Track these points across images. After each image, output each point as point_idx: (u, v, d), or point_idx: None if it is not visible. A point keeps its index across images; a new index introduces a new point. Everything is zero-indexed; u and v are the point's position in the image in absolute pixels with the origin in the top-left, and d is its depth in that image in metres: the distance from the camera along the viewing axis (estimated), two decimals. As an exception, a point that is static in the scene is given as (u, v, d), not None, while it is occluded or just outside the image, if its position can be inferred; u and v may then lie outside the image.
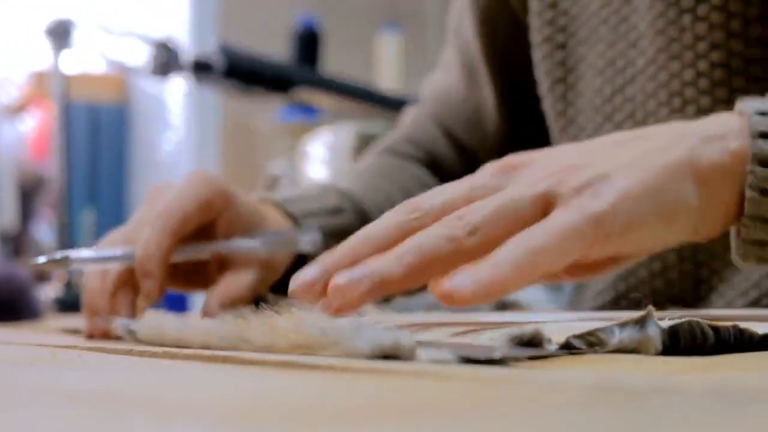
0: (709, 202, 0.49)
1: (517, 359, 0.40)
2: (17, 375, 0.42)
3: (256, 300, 0.76)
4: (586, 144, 0.53)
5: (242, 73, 1.60)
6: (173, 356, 0.47)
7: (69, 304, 1.34)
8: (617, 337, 0.43)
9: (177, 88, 2.74)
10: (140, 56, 1.52)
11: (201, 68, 1.55)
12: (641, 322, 0.43)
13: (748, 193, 0.49)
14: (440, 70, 0.93)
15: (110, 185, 2.88)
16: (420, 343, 0.41)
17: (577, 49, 0.76)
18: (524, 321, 0.47)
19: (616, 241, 0.47)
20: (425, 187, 0.87)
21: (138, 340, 0.55)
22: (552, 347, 0.42)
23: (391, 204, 0.81)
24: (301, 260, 0.72)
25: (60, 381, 0.39)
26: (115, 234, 0.67)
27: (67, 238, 1.47)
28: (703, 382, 0.34)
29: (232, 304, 0.64)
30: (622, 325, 0.43)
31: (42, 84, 2.48)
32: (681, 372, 0.37)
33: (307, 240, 0.70)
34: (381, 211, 0.78)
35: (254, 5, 2.88)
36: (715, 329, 0.43)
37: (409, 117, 0.94)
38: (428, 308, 0.80)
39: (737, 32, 0.67)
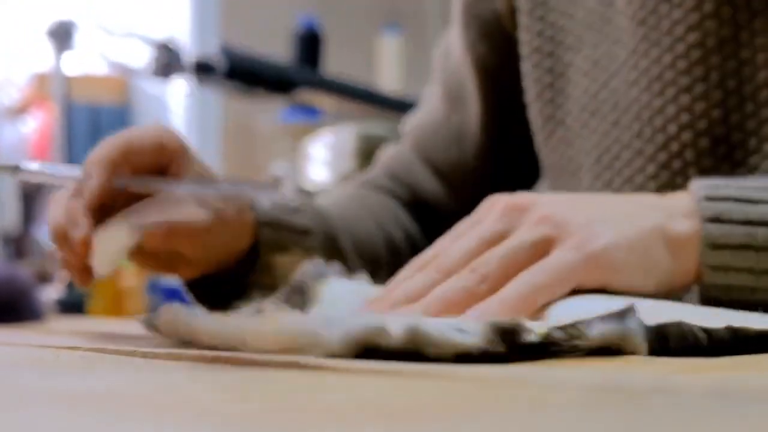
0: (677, 264, 0.58)
1: (494, 351, 0.41)
2: (19, 376, 0.42)
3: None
4: (577, 196, 0.65)
5: (243, 74, 1.60)
6: (176, 358, 0.47)
7: (71, 305, 1.34)
8: (598, 329, 0.44)
9: (178, 90, 2.74)
10: (141, 57, 1.52)
11: (202, 69, 1.55)
12: (622, 315, 0.45)
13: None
14: (422, 105, 0.95)
15: (112, 186, 2.87)
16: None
17: (565, 55, 0.79)
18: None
19: (606, 278, 0.55)
20: (403, 229, 0.89)
21: (158, 331, 0.56)
22: (532, 338, 0.43)
23: (368, 239, 0.83)
24: (254, 249, 0.73)
25: (62, 382, 0.39)
26: None
27: (69, 239, 1.47)
28: (704, 382, 0.35)
29: (174, 227, 0.66)
30: (604, 318, 0.44)
31: (43, 85, 2.48)
32: (682, 372, 0.37)
33: (267, 195, 0.69)
34: (354, 246, 0.80)
35: (255, 6, 2.88)
36: (708, 331, 0.44)
37: (388, 152, 0.95)
38: None
39: (710, 13, 0.71)
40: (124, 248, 0.68)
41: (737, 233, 0.58)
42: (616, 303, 0.47)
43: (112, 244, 0.66)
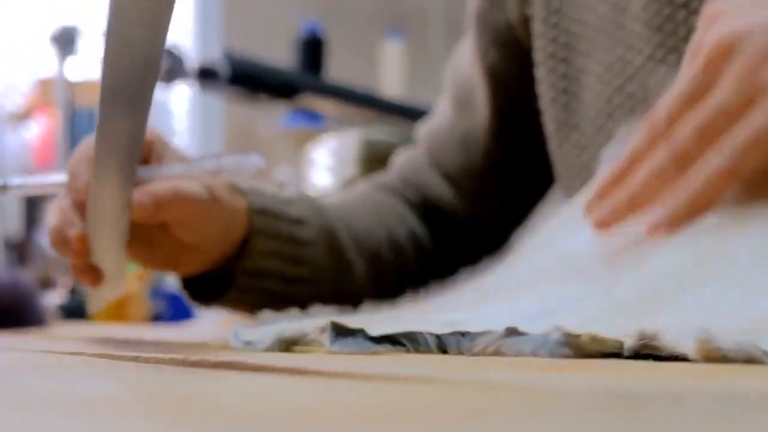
0: None
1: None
2: (22, 381, 0.42)
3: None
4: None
5: (246, 79, 1.60)
6: (180, 363, 0.47)
7: (73, 310, 1.34)
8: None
9: (181, 95, 2.75)
10: (145, 63, 1.52)
11: (205, 75, 1.55)
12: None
13: None
14: (434, 114, 0.95)
15: (115, 192, 2.88)
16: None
17: (578, 60, 0.79)
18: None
19: None
20: (408, 228, 0.89)
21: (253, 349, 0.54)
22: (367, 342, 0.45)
23: (368, 235, 0.83)
24: (244, 244, 0.74)
25: (65, 387, 0.39)
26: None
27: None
28: (710, 388, 0.34)
29: (161, 194, 0.66)
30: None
31: (47, 91, 2.49)
32: (688, 378, 0.37)
33: (251, 164, 0.68)
34: (354, 240, 0.80)
35: (258, 12, 2.88)
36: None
37: (400, 158, 0.96)
38: None
39: None
40: (123, 263, 0.69)
41: None
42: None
43: (109, 266, 0.67)
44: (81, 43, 1.50)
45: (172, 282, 1.43)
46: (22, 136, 2.79)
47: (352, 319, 0.49)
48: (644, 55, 0.74)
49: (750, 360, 0.40)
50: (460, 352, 0.46)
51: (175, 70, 1.52)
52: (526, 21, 0.84)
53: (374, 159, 1.62)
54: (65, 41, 1.48)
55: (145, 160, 0.68)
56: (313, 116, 2.12)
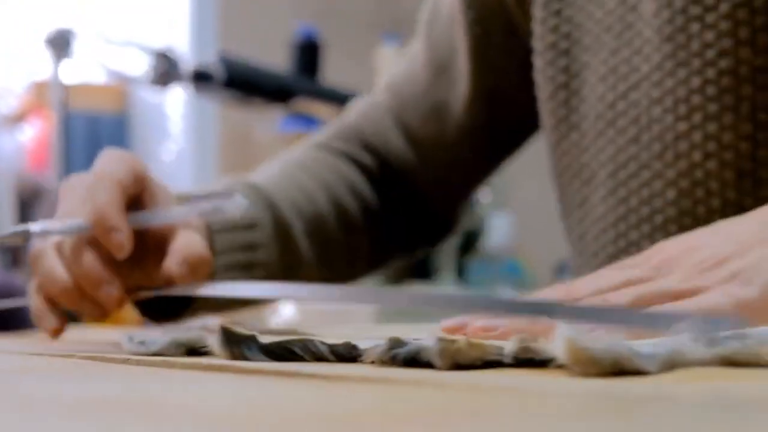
0: None
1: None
2: (14, 384, 0.41)
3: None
4: (726, 229, 0.56)
5: (242, 83, 1.60)
6: (171, 365, 0.47)
7: (66, 313, 1.33)
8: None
9: (177, 98, 2.75)
10: (140, 66, 1.52)
11: (201, 78, 1.55)
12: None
13: None
14: (404, 61, 0.91)
15: (109, 195, 2.87)
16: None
17: (581, 55, 0.76)
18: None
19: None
20: (357, 195, 0.87)
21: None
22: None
23: (309, 203, 0.81)
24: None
25: (57, 389, 0.39)
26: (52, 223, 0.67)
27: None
28: (703, 391, 0.34)
29: (196, 262, 0.66)
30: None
31: (41, 94, 2.49)
32: (680, 381, 0.37)
33: (234, 206, 0.69)
34: (297, 210, 0.79)
35: (254, 16, 2.88)
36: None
37: (361, 106, 0.92)
38: None
39: (745, 40, 0.67)
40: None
41: None
42: None
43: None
44: (76, 46, 1.49)
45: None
46: (16, 138, 2.79)
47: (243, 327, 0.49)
48: (652, 63, 0.71)
49: (617, 362, 0.38)
50: (353, 360, 0.45)
51: (170, 73, 1.52)
52: (523, 1, 0.80)
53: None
54: (60, 44, 1.48)
55: (140, 197, 0.68)
56: (308, 120, 2.11)
